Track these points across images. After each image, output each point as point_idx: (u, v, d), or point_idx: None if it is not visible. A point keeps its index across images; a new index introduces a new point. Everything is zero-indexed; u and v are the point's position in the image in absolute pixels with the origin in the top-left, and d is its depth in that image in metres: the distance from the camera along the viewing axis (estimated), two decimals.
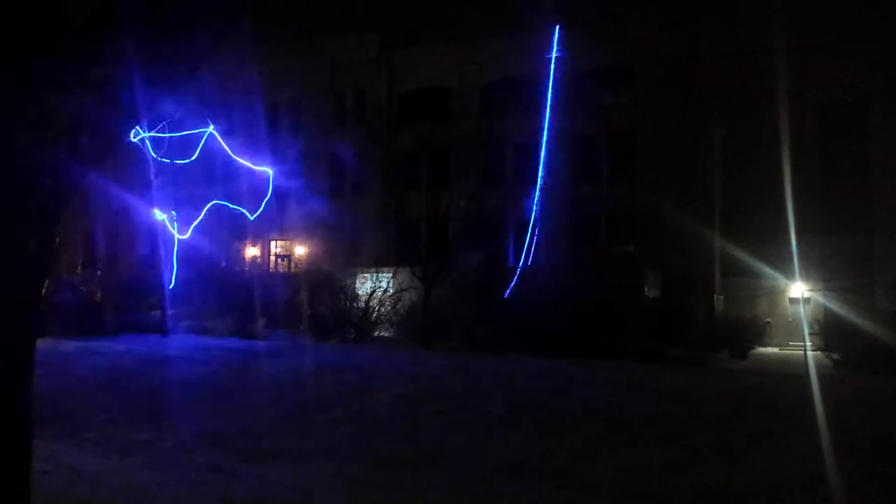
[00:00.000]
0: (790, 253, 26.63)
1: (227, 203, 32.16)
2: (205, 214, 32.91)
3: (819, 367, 18.66)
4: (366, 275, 27.57)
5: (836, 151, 30.65)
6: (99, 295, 27.34)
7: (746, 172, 29.69)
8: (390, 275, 27.20)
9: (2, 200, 3.24)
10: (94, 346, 17.11)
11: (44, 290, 3.56)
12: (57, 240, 4.17)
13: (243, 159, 32.52)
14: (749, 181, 29.49)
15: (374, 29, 38.02)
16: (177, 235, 28.14)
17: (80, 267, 37.66)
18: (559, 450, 8.72)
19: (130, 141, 22.56)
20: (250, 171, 32.82)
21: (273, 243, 38.66)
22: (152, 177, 26.38)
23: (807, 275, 28.58)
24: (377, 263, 29.17)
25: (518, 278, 27.25)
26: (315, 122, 38.22)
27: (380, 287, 25.88)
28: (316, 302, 25.29)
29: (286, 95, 38.48)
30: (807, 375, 15.10)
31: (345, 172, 37.34)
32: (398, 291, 26.02)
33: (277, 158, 35.12)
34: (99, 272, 32.94)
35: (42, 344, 3.97)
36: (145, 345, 17.89)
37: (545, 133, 32.68)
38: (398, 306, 25.57)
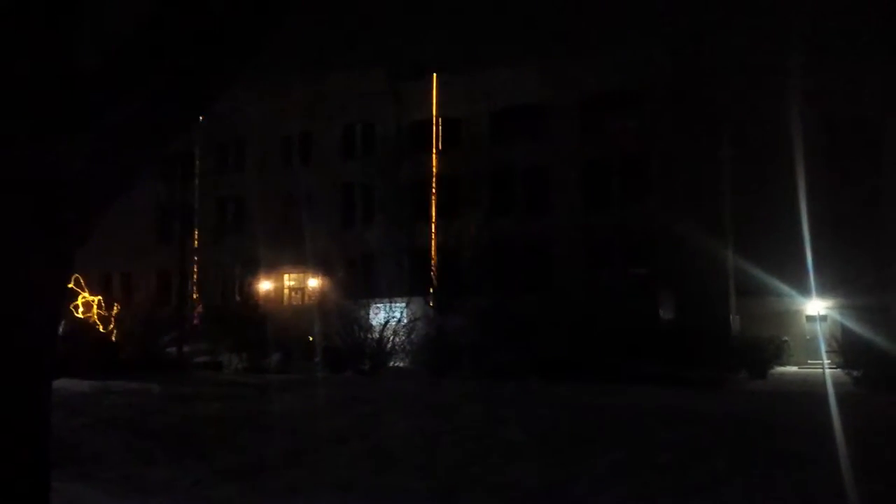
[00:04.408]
0: (806, 271, 26.39)
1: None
2: (219, 248, 33.13)
3: (839, 385, 18.43)
4: (379, 305, 27.58)
5: (848, 167, 30.48)
6: (115, 334, 27.47)
7: (759, 191, 29.56)
8: (403, 304, 27.19)
9: (18, 238, 3.26)
10: (110, 385, 17.14)
11: (60, 330, 3.57)
12: (73, 278, 4.19)
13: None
14: (762, 200, 29.35)
15: (382, 62, 38.41)
16: (193, 271, 28.37)
17: (95, 306, 37.89)
18: (580, 477, 8.62)
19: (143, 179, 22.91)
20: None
21: (286, 276, 38.79)
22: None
23: (823, 292, 28.31)
24: (390, 293, 29.18)
25: (531, 304, 27.15)
26: (325, 155, 38.56)
27: (393, 317, 25.85)
28: (330, 334, 25.30)
29: (296, 128, 38.91)
30: (827, 394, 14.90)
31: (356, 203, 37.58)
32: (412, 321, 25.97)
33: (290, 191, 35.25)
34: (114, 311, 33.08)
35: (58, 384, 3.99)
36: (161, 382, 17.91)
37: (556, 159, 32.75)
38: (412, 336, 25.51)
